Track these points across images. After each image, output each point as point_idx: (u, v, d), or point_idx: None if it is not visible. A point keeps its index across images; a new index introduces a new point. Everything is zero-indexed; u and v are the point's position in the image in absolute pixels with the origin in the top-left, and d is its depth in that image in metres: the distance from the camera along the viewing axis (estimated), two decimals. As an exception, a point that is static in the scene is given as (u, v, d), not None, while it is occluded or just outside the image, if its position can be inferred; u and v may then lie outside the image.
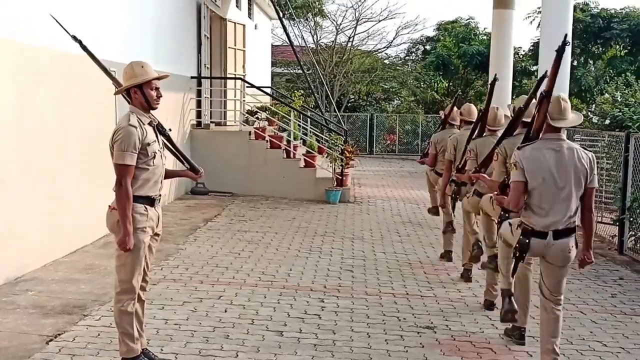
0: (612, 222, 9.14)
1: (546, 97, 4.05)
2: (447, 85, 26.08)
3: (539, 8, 18.67)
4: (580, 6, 21.94)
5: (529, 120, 4.63)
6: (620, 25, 21.02)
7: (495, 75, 6.07)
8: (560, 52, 4.02)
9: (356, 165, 17.93)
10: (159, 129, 4.17)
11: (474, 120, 6.58)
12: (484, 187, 5.45)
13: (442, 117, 7.95)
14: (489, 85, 5.61)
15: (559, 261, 4.16)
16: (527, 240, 4.12)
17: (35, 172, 6.54)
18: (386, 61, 27.65)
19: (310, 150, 13.18)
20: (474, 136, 5.94)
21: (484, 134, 5.81)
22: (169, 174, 4.34)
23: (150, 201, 4.08)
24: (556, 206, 4.07)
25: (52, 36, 6.07)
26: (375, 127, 24.45)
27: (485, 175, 5.11)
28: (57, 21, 4.39)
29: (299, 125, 15.45)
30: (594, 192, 4.21)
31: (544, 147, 4.09)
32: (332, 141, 12.78)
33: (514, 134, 4.98)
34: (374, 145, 24.37)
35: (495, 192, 4.52)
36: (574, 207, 4.10)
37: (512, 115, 5.09)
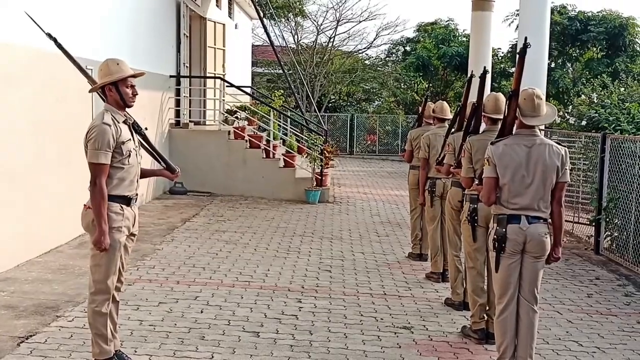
0: (588, 223, 9.22)
1: (513, 97, 4.09)
2: (427, 86, 26.21)
3: (517, 10, 18.83)
4: (558, 9, 22.18)
5: (496, 117, 4.90)
6: (597, 28, 21.29)
7: (472, 71, 6.07)
8: (522, 54, 4.07)
9: (336, 166, 17.97)
10: (135, 128, 4.11)
11: (447, 118, 6.90)
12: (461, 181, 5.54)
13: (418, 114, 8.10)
14: (466, 82, 5.67)
15: (537, 248, 4.12)
16: (503, 229, 4.11)
17: (8, 172, 6.42)
18: (367, 62, 27.74)
19: (290, 150, 13.15)
20: (452, 130, 5.99)
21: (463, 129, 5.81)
22: (145, 173, 4.29)
23: (126, 200, 4.03)
24: (523, 197, 4.11)
25: (26, 34, 5.97)
26: (355, 127, 24.52)
27: (459, 171, 5.20)
28: (31, 18, 4.30)
29: (279, 125, 15.41)
30: (565, 186, 4.22)
31: (516, 143, 4.12)
32: (312, 141, 12.76)
33: (482, 130, 5.12)
34: (354, 146, 24.44)
35: (476, 182, 4.58)
36: (544, 201, 4.13)
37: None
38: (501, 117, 4.69)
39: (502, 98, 5.07)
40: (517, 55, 4.12)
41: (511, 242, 4.10)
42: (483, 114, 5.10)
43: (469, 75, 5.87)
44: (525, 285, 4.18)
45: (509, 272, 4.14)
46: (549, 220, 4.21)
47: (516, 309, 4.19)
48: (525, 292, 4.18)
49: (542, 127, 5.76)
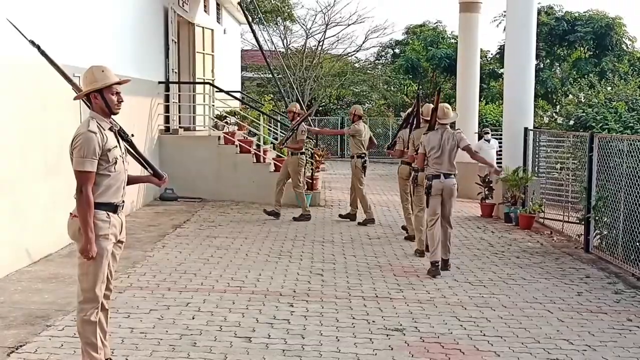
0: (578, 221, 9.26)
1: (434, 111, 7.26)
2: (416, 88, 26.27)
3: (504, 12, 18.92)
4: (545, 9, 22.32)
5: (428, 119, 7.59)
6: (584, 28, 21.45)
7: (420, 90, 7.80)
8: (438, 92, 7.66)
9: (326, 169, 17.97)
10: (121, 135, 4.10)
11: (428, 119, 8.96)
12: (408, 158, 8.61)
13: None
14: (435, 93, 7.96)
15: (450, 193, 7.16)
16: (430, 182, 7.12)
17: (-4, 180, 6.39)
18: (356, 65, 27.82)
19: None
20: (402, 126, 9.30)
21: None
22: (131, 180, 4.26)
23: (112, 208, 4.01)
24: (441, 164, 7.11)
25: (12, 41, 5.93)
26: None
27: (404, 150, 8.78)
28: (14, 26, 4.28)
29: (269, 130, 15.40)
30: (468, 147, 7.36)
31: (437, 133, 7.20)
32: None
33: (421, 126, 8.13)
34: (345, 149, 24.44)
35: (415, 154, 7.75)
36: (451, 165, 7.14)
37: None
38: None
39: (432, 107, 7.70)
40: (436, 92, 7.58)
41: (434, 189, 7.10)
42: (421, 117, 8.20)
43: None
44: (445, 215, 7.23)
45: (435, 205, 7.16)
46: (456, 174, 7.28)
47: (441, 228, 7.19)
48: (445, 219, 7.24)
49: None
